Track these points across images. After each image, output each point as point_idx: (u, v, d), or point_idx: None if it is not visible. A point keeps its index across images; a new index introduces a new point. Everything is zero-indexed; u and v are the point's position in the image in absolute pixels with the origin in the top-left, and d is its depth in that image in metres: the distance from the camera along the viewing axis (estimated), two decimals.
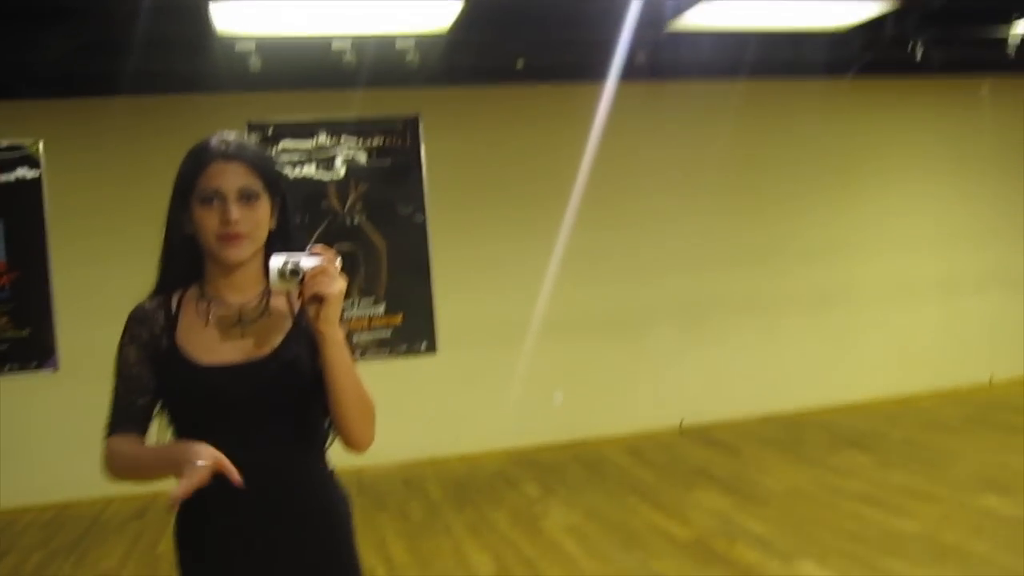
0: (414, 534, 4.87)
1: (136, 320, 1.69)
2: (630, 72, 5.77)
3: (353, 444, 1.67)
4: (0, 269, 5.99)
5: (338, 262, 1.57)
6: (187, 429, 1.65)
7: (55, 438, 6.04)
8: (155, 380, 1.67)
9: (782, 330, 7.26)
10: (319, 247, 1.58)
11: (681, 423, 6.98)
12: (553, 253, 6.75)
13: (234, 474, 1.52)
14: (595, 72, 5.96)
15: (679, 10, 4.97)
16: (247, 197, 1.62)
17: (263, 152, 1.72)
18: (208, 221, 1.61)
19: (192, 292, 1.70)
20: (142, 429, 1.67)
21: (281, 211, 1.70)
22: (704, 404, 7.04)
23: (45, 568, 4.78)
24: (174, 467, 1.53)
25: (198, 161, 1.63)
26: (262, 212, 1.64)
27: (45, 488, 6.00)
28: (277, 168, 1.72)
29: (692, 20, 5.10)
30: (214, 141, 1.65)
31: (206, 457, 1.51)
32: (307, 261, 1.55)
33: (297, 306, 1.69)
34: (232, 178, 1.61)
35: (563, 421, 6.79)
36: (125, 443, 1.66)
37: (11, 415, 6.01)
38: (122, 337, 1.69)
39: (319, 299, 1.54)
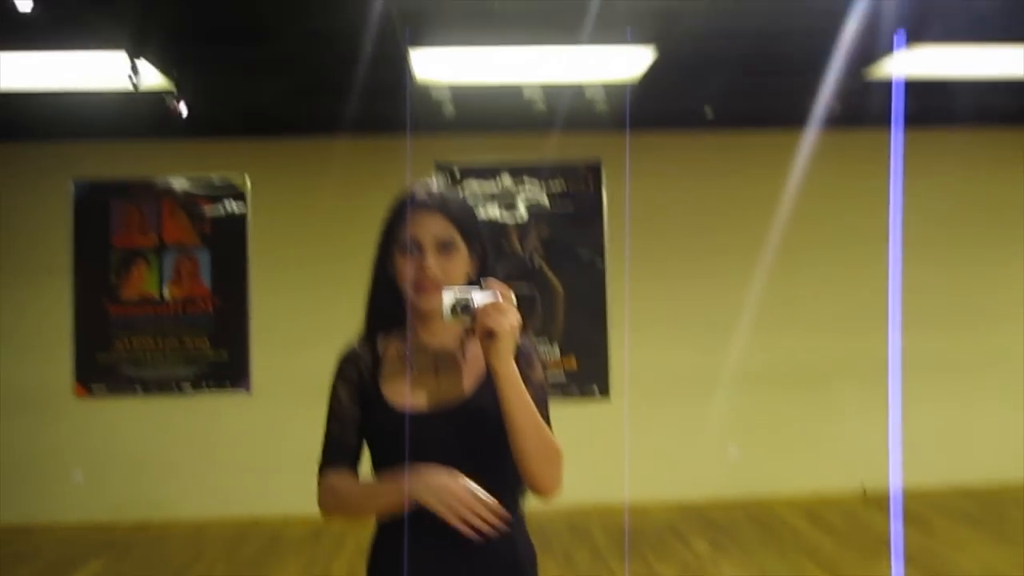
0: None
1: (347, 360, 1.75)
2: (825, 120, 5.58)
3: (536, 488, 1.64)
4: (205, 295, 6.43)
5: (512, 297, 1.57)
6: (385, 471, 1.68)
7: (243, 456, 6.40)
8: (363, 419, 1.71)
9: (980, 394, 6.75)
10: (492, 282, 1.59)
11: (864, 488, 6.59)
12: (734, 304, 6.58)
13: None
14: (785, 120, 5.82)
15: (878, 57, 4.77)
16: (444, 247, 1.66)
17: (464, 202, 1.75)
18: (405, 269, 1.66)
19: (395, 336, 1.75)
20: (355, 465, 1.72)
21: (482, 261, 1.72)
22: (889, 469, 6.62)
23: None
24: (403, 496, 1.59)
25: (400, 209, 1.69)
26: (458, 262, 1.67)
27: (231, 502, 6.36)
28: (478, 219, 1.75)
29: (891, 68, 4.89)
30: (417, 190, 1.70)
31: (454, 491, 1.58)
32: (479, 296, 1.55)
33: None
34: (430, 228, 1.65)
35: (737, 476, 6.56)
36: (343, 479, 1.70)
37: (205, 431, 6.42)
38: (335, 376, 1.74)
39: (491, 334, 1.54)
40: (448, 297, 1.56)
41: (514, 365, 1.58)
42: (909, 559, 5.07)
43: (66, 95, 5.02)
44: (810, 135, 5.99)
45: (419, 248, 1.65)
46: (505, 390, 1.57)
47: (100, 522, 6.27)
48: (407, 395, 1.68)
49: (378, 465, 1.71)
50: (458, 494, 1.57)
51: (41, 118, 5.75)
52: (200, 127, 5.97)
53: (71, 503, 6.33)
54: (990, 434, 6.71)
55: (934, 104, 5.69)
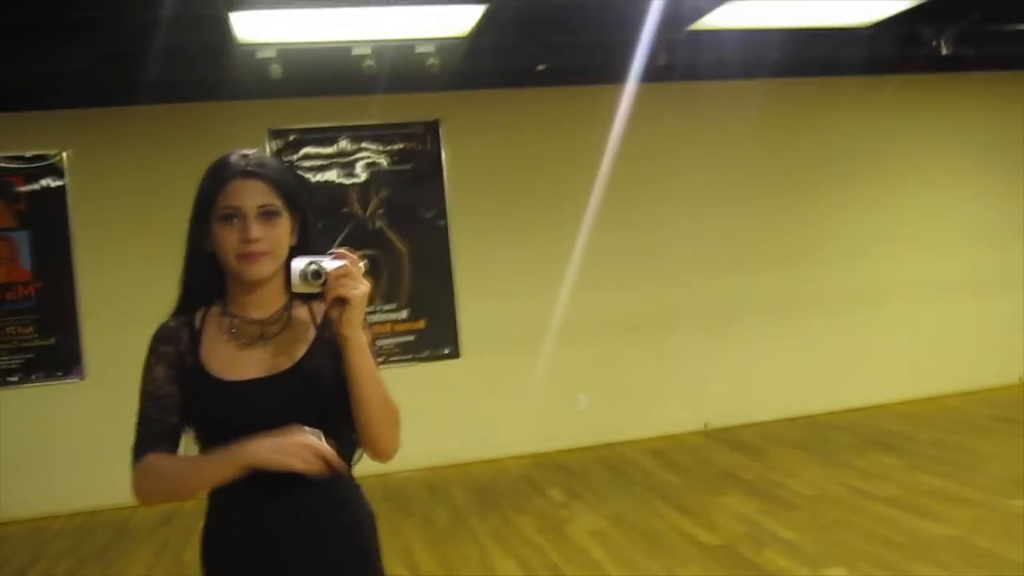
0: (439, 540, 4.85)
1: (161, 339, 1.68)
2: (651, 73, 5.73)
3: (377, 452, 1.64)
4: (25, 279, 6.03)
5: (362, 265, 1.56)
6: (213, 446, 1.63)
7: (82, 446, 6.08)
8: (183, 398, 1.65)
9: (807, 331, 7.19)
10: (342, 250, 1.57)
11: (706, 425, 6.93)
12: (576, 256, 6.72)
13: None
14: (616, 74, 5.92)
15: (700, 11, 4.92)
16: (267, 214, 1.61)
17: (284, 168, 1.71)
18: (228, 239, 1.60)
19: (215, 309, 1.70)
20: (174, 449, 1.66)
21: (302, 227, 1.69)
22: (729, 406, 6.99)
23: (74, 575, 4.81)
24: (238, 462, 1.52)
25: (218, 178, 1.62)
26: (282, 229, 1.63)
27: (72, 496, 6.05)
28: (298, 184, 1.71)
29: (713, 20, 5.06)
30: (233, 158, 1.64)
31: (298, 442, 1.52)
32: (330, 263, 1.54)
33: (320, 314, 1.67)
34: (252, 195, 1.60)
35: (587, 424, 6.76)
36: (163, 459, 1.63)
37: (39, 424, 6.06)
38: (148, 357, 1.67)
39: (342, 301, 1.52)
40: (298, 264, 1.54)
41: (363, 334, 1.56)
42: (748, 486, 5.38)
43: None
44: (638, 88, 6.14)
45: (242, 216, 1.59)
46: (354, 357, 1.56)
47: None
48: (232, 366, 1.63)
49: (207, 443, 1.65)
50: (295, 440, 1.53)
51: None
52: (8, 100, 5.57)
53: None
54: (816, 367, 7.16)
55: (755, 54, 5.93)
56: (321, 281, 1.53)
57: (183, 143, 6.05)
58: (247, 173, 1.61)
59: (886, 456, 5.79)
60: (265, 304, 1.67)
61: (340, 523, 1.67)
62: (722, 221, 7.02)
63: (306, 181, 6.20)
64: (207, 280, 1.68)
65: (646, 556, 4.35)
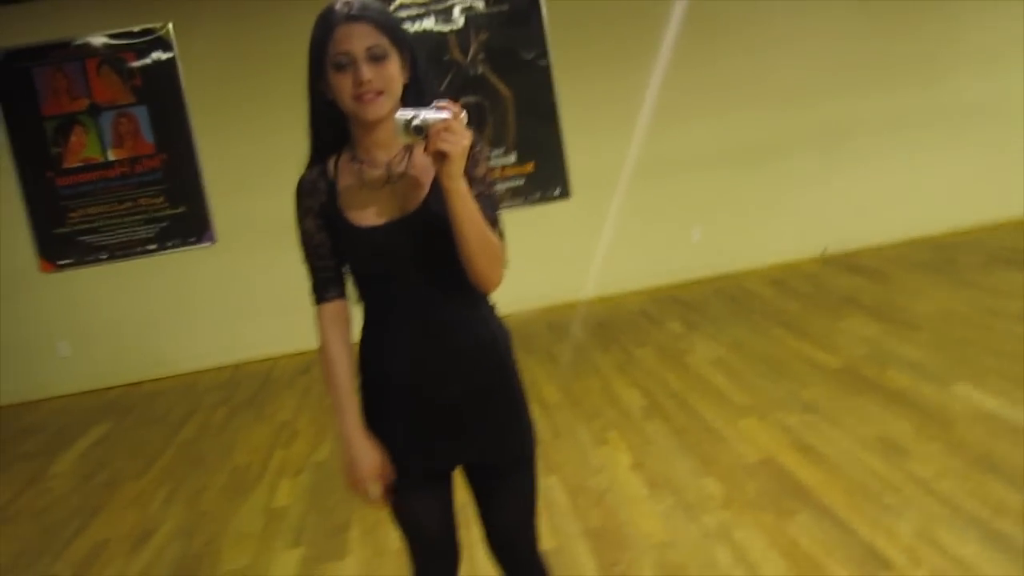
0: (564, 375, 5.04)
1: (304, 192, 1.79)
2: None
3: (481, 284, 1.74)
4: (150, 152, 6.30)
5: (463, 116, 1.60)
6: (362, 285, 1.81)
7: (221, 305, 6.50)
8: (334, 243, 1.78)
9: (926, 148, 6.86)
10: (445, 102, 1.61)
11: (824, 250, 6.82)
12: (681, 85, 6.54)
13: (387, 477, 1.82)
14: None
15: None
16: (376, 56, 1.66)
17: (385, 9, 1.75)
18: (343, 84, 1.67)
19: (345, 156, 1.79)
20: (343, 290, 1.83)
21: (412, 64, 1.74)
22: (847, 230, 6.84)
23: (230, 421, 5.24)
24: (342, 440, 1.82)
25: (325, 27, 1.68)
26: (393, 68, 1.68)
27: (218, 351, 6.51)
28: (402, 24, 1.74)
29: None
30: (338, 5, 1.69)
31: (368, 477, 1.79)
32: (432, 116, 1.58)
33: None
34: (359, 39, 1.65)
35: (703, 256, 6.76)
36: (335, 336, 1.82)
37: (179, 287, 6.47)
38: (297, 211, 1.80)
39: (443, 155, 1.58)
40: (401, 116, 1.58)
41: (463, 183, 1.62)
42: (869, 310, 5.34)
43: None
44: None
45: (352, 60, 1.66)
46: (455, 206, 1.63)
47: (93, 389, 6.43)
48: (365, 212, 1.74)
49: (357, 281, 1.82)
50: (352, 476, 1.80)
51: None
52: None
53: (61, 376, 6.45)
54: (937, 185, 6.88)
55: None
56: (423, 135, 1.58)
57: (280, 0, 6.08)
58: (351, 17, 1.66)
59: (1014, 273, 5.62)
60: (388, 143, 1.75)
61: (480, 340, 1.81)
62: (829, 40, 6.65)
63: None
64: (333, 128, 1.77)
65: (767, 380, 4.43)
